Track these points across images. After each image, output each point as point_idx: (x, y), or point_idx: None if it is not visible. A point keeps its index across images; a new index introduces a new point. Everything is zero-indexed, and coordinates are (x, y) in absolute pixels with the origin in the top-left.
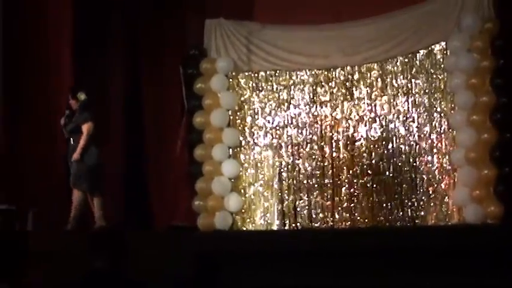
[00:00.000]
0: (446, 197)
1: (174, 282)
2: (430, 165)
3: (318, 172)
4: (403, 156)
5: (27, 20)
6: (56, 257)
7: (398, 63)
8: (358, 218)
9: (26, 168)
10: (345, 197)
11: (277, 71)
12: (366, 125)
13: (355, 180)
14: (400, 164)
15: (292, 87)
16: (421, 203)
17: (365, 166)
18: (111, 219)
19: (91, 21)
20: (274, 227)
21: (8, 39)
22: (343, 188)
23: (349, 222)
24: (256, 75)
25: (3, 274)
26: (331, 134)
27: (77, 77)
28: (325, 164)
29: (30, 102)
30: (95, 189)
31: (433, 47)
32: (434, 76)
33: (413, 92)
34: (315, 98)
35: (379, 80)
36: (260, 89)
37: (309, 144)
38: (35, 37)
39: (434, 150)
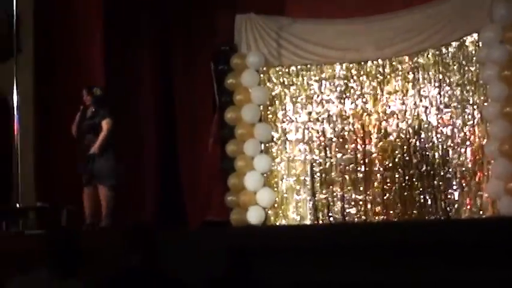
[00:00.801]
0: (480, 190)
1: (207, 278)
2: (463, 158)
3: (350, 166)
4: (436, 149)
5: (58, 20)
6: (93, 254)
7: (430, 56)
8: (391, 211)
9: (59, 166)
10: (377, 191)
11: (308, 65)
12: (398, 118)
13: (387, 174)
14: (432, 157)
15: (324, 81)
16: (455, 196)
17: (397, 159)
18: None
19: (121, 19)
20: (307, 222)
21: (39, 39)
22: (376, 182)
23: (382, 216)
24: (287, 69)
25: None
26: (363, 127)
27: (107, 76)
28: (358, 157)
29: (62, 102)
30: (117, 184)
31: (465, 38)
32: (467, 68)
33: (446, 84)
34: (346, 91)
35: (410, 72)
36: (291, 83)
37: (340, 138)
38: (65, 37)
39: (467, 143)
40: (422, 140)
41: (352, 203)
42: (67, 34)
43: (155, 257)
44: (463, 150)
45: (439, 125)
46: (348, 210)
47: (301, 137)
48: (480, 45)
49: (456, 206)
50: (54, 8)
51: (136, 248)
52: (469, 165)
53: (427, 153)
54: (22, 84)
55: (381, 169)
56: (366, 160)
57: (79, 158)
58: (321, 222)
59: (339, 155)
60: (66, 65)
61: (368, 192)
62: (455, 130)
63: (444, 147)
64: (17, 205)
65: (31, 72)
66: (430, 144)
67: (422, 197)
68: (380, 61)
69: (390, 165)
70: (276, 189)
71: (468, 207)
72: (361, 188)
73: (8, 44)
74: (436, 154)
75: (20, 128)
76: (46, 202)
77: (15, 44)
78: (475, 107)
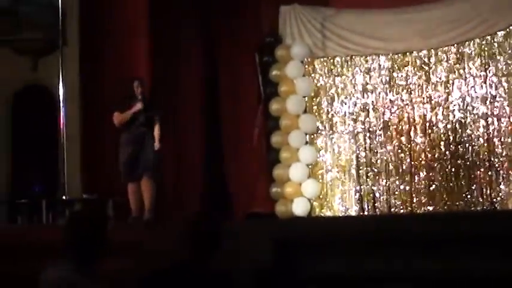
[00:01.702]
0: None
1: (253, 270)
2: (510, 148)
3: (396, 157)
4: (482, 139)
5: (103, 13)
6: (138, 248)
7: (476, 45)
8: (437, 203)
9: (105, 159)
10: (423, 182)
11: (353, 56)
12: (443, 109)
13: (433, 165)
14: (478, 147)
15: (369, 71)
16: (501, 187)
17: (443, 150)
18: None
19: (166, 12)
20: (353, 213)
21: (84, 32)
22: (422, 173)
23: (427, 207)
24: (331, 60)
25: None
26: (408, 118)
27: (153, 69)
28: (403, 148)
29: (107, 95)
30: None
31: (511, 28)
32: None
33: (492, 74)
34: (391, 82)
35: (456, 62)
36: (336, 74)
37: (386, 129)
38: (110, 30)
39: None
40: (468, 130)
41: (398, 194)
42: (112, 27)
43: (213, 252)
44: (509, 140)
45: (485, 115)
46: (393, 201)
47: (346, 128)
48: None
49: (503, 197)
50: (99, 1)
51: (199, 241)
52: None
53: (473, 143)
54: (68, 77)
55: (427, 160)
56: (412, 151)
57: (127, 148)
58: (366, 213)
59: (384, 146)
60: (111, 58)
61: (414, 183)
62: (502, 120)
63: (490, 137)
64: (64, 197)
65: (77, 65)
66: (477, 134)
67: (468, 188)
68: (425, 51)
69: (436, 156)
70: (321, 180)
71: None
72: (407, 179)
73: (54, 36)
74: (482, 145)
75: (66, 120)
76: (92, 194)
77: (60, 36)
78: None
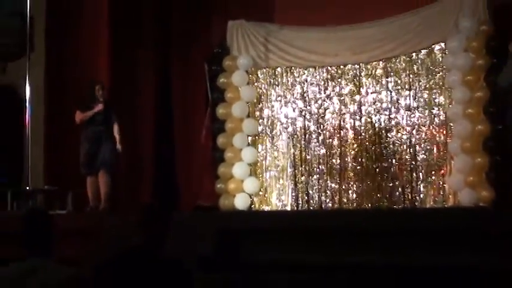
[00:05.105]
0: (443, 183)
1: (198, 256)
2: (429, 153)
3: (328, 158)
4: (405, 145)
5: (68, 22)
6: (93, 236)
7: (401, 61)
8: (364, 201)
9: (66, 153)
10: (351, 182)
11: (293, 68)
12: (371, 117)
13: (361, 166)
14: (402, 152)
15: (306, 82)
16: (421, 187)
17: (371, 154)
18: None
19: (125, 23)
20: (288, 208)
21: (50, 39)
22: (351, 173)
23: (354, 204)
24: (273, 71)
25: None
26: (340, 124)
27: (111, 73)
28: (335, 151)
29: (69, 96)
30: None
31: (433, 46)
32: (434, 73)
33: (415, 87)
34: (326, 91)
35: (384, 76)
36: (277, 83)
37: (320, 134)
38: (74, 38)
39: (433, 141)
40: (393, 137)
41: (329, 192)
42: (76, 34)
43: (163, 238)
44: (429, 146)
45: (408, 124)
46: (324, 198)
47: (284, 131)
48: (447, 52)
49: (422, 196)
50: (64, 11)
51: (149, 227)
52: (434, 161)
53: (397, 149)
54: (34, 79)
55: (356, 162)
56: (342, 153)
57: (86, 144)
58: (300, 208)
59: (318, 149)
60: (74, 63)
61: (343, 183)
62: (423, 128)
63: (413, 144)
64: (27, 188)
65: (42, 69)
66: (400, 140)
67: (391, 188)
68: (356, 65)
69: (364, 159)
70: (261, 178)
71: (432, 197)
72: (337, 179)
73: (22, 42)
74: (405, 150)
75: (32, 118)
76: (53, 186)
77: (28, 42)
78: (440, 108)
